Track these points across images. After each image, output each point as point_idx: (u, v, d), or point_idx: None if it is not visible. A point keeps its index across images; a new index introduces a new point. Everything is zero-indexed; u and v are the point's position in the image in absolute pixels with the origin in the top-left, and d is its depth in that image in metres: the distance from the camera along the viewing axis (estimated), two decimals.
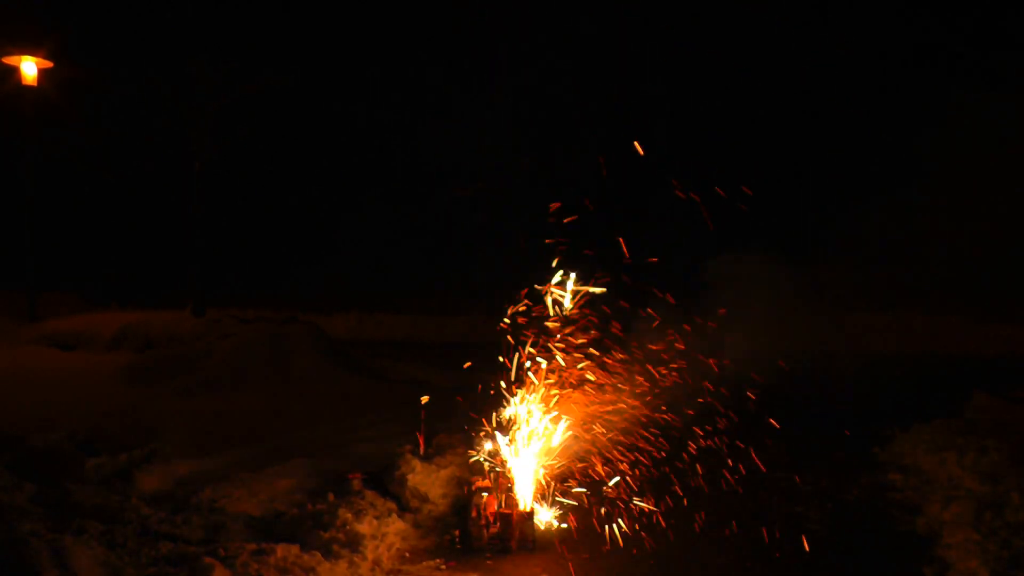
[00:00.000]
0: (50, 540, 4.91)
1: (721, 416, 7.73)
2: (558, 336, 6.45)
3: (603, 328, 6.66)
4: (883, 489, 7.47)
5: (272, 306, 21.27)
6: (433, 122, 22.14)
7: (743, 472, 7.42)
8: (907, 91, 19.91)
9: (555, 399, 6.47)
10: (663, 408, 7.15)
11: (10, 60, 16.36)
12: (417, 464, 7.01)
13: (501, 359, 6.48)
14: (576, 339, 6.51)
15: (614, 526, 6.26)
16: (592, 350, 6.54)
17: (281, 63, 16.29)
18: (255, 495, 6.72)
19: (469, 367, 6.95)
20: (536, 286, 6.44)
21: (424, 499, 6.82)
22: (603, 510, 6.55)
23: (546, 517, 6.37)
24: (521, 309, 6.43)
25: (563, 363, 6.44)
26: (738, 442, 7.76)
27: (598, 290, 6.47)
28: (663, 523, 6.42)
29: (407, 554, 5.99)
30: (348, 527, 5.90)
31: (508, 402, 6.49)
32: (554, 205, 6.78)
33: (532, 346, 6.41)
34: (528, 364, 6.41)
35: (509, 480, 6.34)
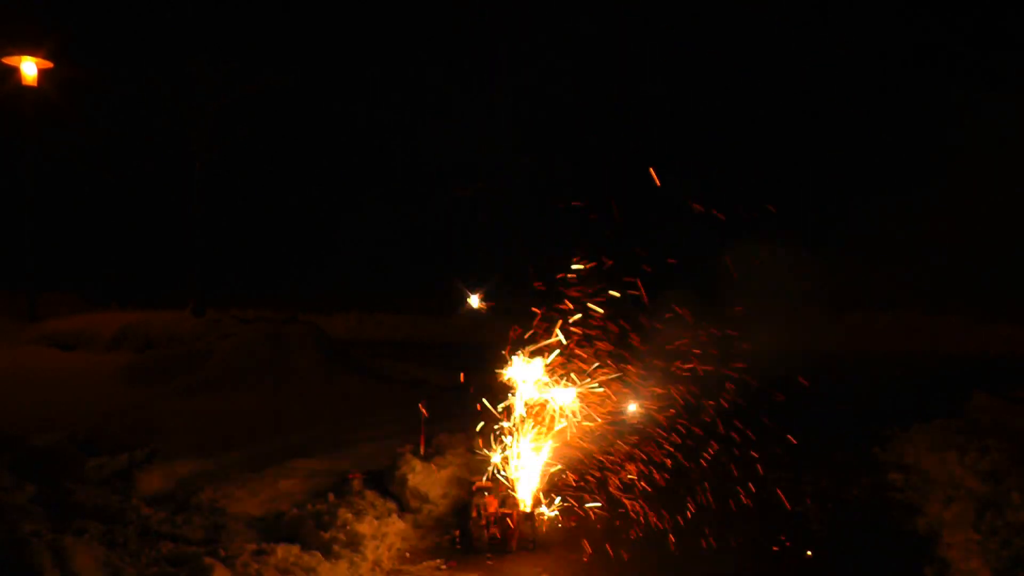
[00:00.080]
0: (51, 540, 4.91)
1: (723, 418, 7.73)
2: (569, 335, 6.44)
3: (618, 336, 6.67)
4: (884, 489, 7.47)
5: (272, 306, 21.27)
6: (433, 122, 22.15)
7: (743, 472, 7.42)
8: (907, 91, 19.92)
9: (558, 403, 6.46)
10: (669, 411, 7.16)
11: (10, 60, 16.36)
12: (417, 464, 7.01)
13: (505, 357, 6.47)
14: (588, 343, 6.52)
15: (614, 526, 6.27)
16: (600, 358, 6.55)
17: (281, 63, 16.29)
18: (255, 495, 6.72)
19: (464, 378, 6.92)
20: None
21: (424, 499, 6.82)
22: (603, 511, 6.56)
23: (547, 518, 6.37)
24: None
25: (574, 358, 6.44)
26: (735, 440, 7.76)
27: (614, 293, 6.47)
28: (663, 523, 6.42)
29: (407, 554, 5.99)
30: (348, 527, 5.89)
31: (509, 404, 6.49)
32: (576, 203, 6.76)
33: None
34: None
35: (509, 481, 6.33)
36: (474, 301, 6.60)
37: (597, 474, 6.79)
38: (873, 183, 20.69)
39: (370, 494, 6.62)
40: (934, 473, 7.45)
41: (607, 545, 6.06)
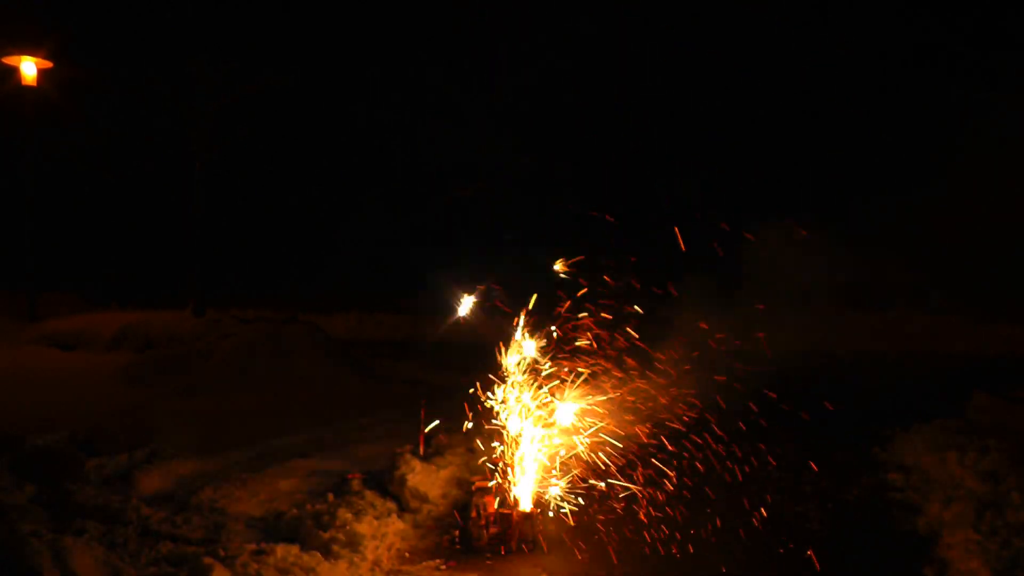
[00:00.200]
0: (50, 540, 4.91)
1: (724, 418, 7.73)
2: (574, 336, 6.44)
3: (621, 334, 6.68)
4: (883, 489, 7.47)
5: (272, 306, 21.27)
6: (433, 122, 22.14)
7: (745, 472, 7.42)
8: (907, 91, 19.91)
9: (558, 399, 6.46)
10: (672, 409, 7.16)
11: (10, 60, 16.36)
12: (417, 464, 7.01)
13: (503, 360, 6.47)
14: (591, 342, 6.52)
15: (614, 526, 6.27)
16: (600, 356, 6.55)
17: (281, 63, 16.28)
18: (255, 495, 6.73)
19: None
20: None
21: (424, 499, 6.82)
22: (603, 510, 6.56)
23: (546, 517, 6.37)
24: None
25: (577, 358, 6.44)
26: (734, 444, 7.76)
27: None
28: (663, 523, 6.42)
29: (407, 554, 5.98)
30: (348, 527, 5.90)
31: (508, 404, 6.48)
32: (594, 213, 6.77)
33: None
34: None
35: (509, 480, 6.33)
36: (464, 307, 6.59)
37: (597, 473, 6.77)
38: (873, 182, 20.68)
39: (370, 494, 6.63)
40: (934, 473, 7.45)
41: (606, 545, 6.06)
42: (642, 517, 6.54)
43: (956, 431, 8.27)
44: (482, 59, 21.66)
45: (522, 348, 6.32)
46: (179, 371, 11.87)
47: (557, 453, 6.48)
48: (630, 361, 6.84)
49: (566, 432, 6.40)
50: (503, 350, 6.36)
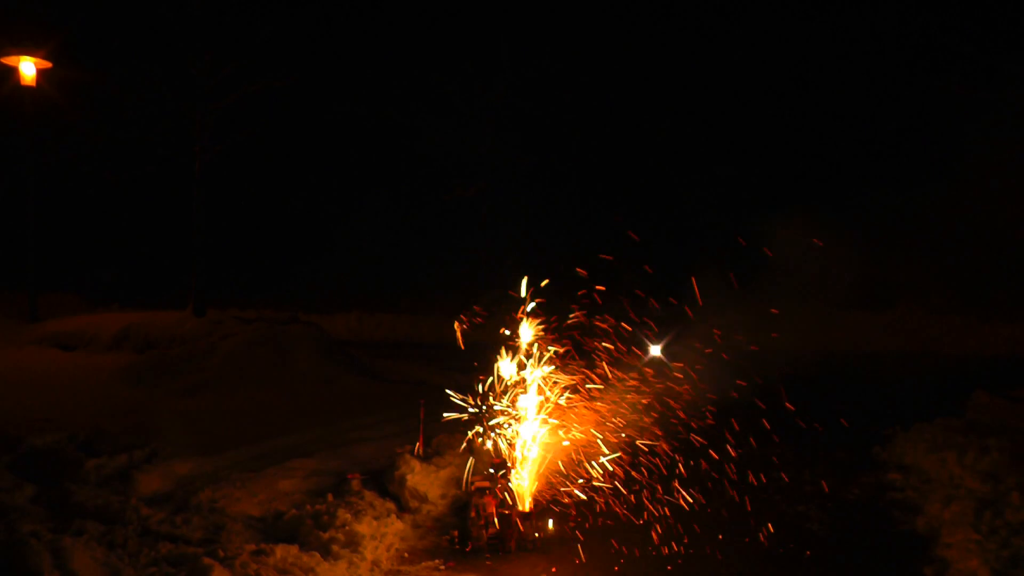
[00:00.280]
0: (50, 540, 4.92)
1: (724, 418, 7.73)
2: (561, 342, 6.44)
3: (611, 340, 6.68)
4: (884, 488, 7.47)
5: (273, 306, 21.31)
6: (435, 121, 22.15)
7: (744, 473, 7.42)
8: (908, 90, 19.88)
9: (559, 400, 6.46)
10: (671, 410, 7.16)
11: (9, 60, 16.34)
12: (416, 464, 7.01)
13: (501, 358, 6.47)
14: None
15: (613, 526, 6.27)
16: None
17: (282, 63, 16.27)
18: (255, 495, 6.72)
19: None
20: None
21: (423, 499, 6.82)
22: (602, 510, 6.55)
23: (546, 517, 6.37)
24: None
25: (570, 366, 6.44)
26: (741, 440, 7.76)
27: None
28: (663, 524, 6.42)
29: (406, 554, 5.99)
30: (347, 527, 5.90)
31: (509, 403, 6.48)
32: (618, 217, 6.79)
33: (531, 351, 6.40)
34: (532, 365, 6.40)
35: (509, 480, 6.33)
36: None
37: (597, 474, 6.77)
38: (873, 182, 20.67)
39: (369, 494, 6.63)
40: (934, 473, 7.46)
41: (606, 545, 6.06)
42: (637, 519, 6.54)
43: (956, 430, 8.26)
44: (483, 58, 21.67)
45: (520, 337, 6.32)
46: (179, 371, 11.86)
47: (558, 453, 6.49)
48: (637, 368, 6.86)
49: (566, 432, 6.41)
50: (504, 352, 6.37)
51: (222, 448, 8.24)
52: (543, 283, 6.30)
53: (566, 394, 6.42)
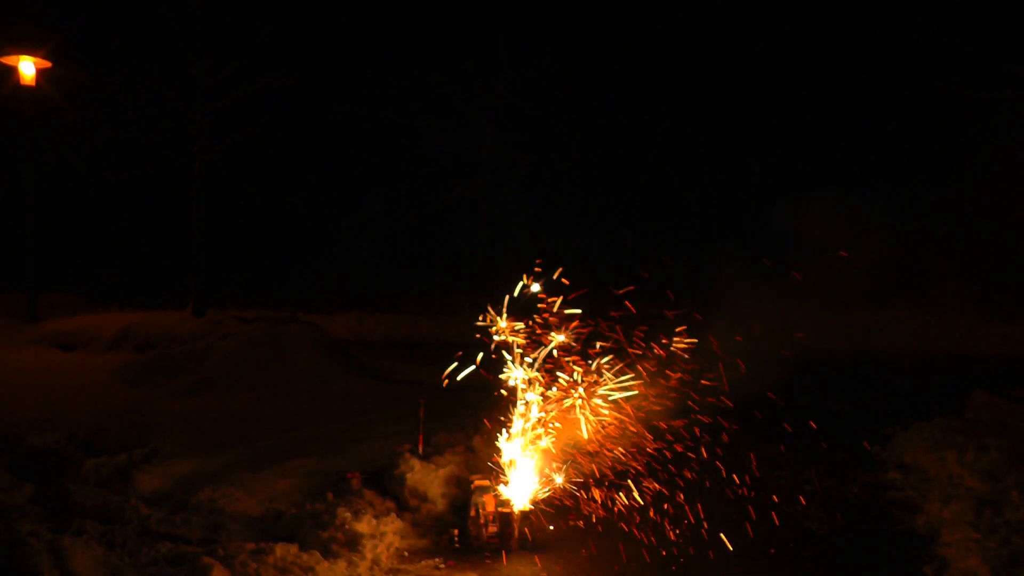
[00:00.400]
0: (49, 540, 4.91)
1: (724, 418, 7.73)
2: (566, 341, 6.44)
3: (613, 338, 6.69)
4: (883, 488, 7.47)
5: (272, 306, 21.29)
6: (434, 122, 22.15)
7: (743, 472, 7.42)
8: (904, 89, 19.89)
9: (559, 401, 6.46)
10: (670, 408, 7.16)
11: (8, 60, 16.34)
12: (416, 463, 7.01)
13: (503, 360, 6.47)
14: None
15: (613, 525, 6.26)
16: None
17: (282, 64, 16.27)
18: (254, 495, 6.72)
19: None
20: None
21: (423, 498, 6.81)
22: (601, 510, 6.55)
23: (546, 516, 6.37)
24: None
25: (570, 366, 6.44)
26: (741, 440, 7.76)
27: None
28: (663, 523, 6.42)
29: (406, 553, 5.99)
30: (347, 526, 5.89)
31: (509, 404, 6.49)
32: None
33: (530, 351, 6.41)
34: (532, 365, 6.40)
35: (508, 479, 6.33)
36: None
37: (597, 473, 6.77)
38: (874, 181, 20.67)
39: (369, 493, 6.62)
40: (933, 472, 7.46)
41: (605, 544, 6.06)
42: (637, 518, 6.53)
43: (956, 429, 8.26)
44: (483, 58, 21.67)
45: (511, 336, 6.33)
46: (179, 371, 11.87)
47: (559, 451, 6.49)
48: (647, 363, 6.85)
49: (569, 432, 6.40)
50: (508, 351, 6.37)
51: (222, 447, 8.24)
52: (555, 274, 6.31)
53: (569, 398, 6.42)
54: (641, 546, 6.04)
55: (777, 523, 6.45)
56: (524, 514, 6.16)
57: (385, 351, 16.03)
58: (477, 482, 6.35)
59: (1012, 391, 9.99)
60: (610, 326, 6.59)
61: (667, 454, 7.20)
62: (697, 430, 7.52)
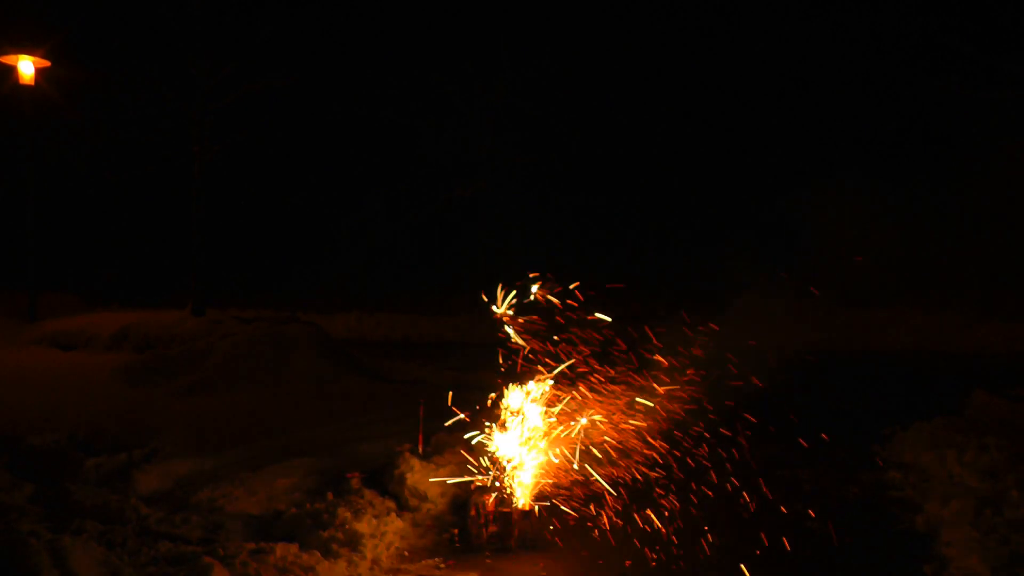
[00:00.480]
0: (49, 540, 4.91)
1: (723, 418, 7.73)
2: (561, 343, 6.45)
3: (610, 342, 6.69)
4: (883, 487, 7.47)
5: (272, 306, 21.29)
6: (434, 122, 22.16)
7: (743, 472, 7.42)
8: (905, 88, 19.90)
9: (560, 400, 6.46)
10: (668, 409, 7.16)
11: (8, 59, 16.33)
12: (416, 463, 7.01)
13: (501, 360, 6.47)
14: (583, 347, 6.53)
15: (614, 524, 6.26)
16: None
17: (282, 64, 16.27)
18: (254, 494, 6.72)
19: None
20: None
21: (423, 498, 6.81)
22: (602, 509, 6.54)
23: (546, 515, 6.36)
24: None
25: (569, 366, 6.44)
26: (741, 439, 7.76)
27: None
28: (663, 523, 6.42)
29: (406, 553, 5.98)
30: (347, 526, 5.89)
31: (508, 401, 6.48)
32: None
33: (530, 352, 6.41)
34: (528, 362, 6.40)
35: (508, 478, 6.32)
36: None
37: (598, 472, 6.77)
38: (874, 181, 20.67)
39: (369, 493, 6.62)
40: (933, 471, 7.46)
41: (606, 544, 6.06)
42: (637, 518, 6.53)
43: (956, 429, 8.27)
44: (483, 58, 21.68)
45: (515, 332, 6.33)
46: (179, 371, 11.86)
47: (559, 450, 6.48)
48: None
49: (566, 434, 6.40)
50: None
51: (221, 447, 8.24)
52: (572, 286, 6.33)
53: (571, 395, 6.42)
54: (641, 545, 6.03)
55: (776, 522, 6.44)
56: (524, 513, 6.16)
57: (385, 351, 16.03)
58: (477, 481, 6.35)
59: (1012, 390, 10.00)
60: (619, 331, 6.60)
61: (666, 456, 7.20)
62: (696, 430, 7.53)
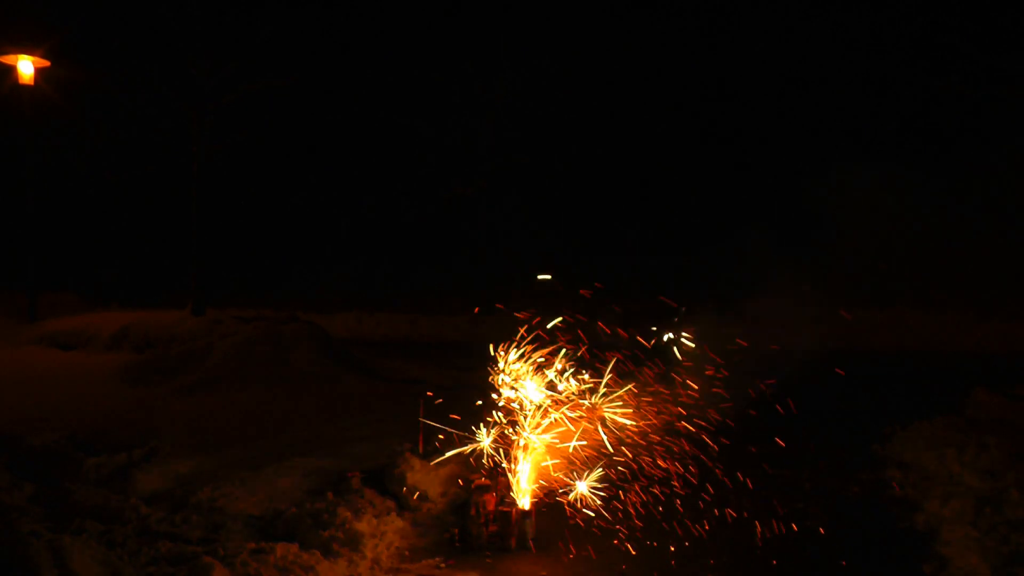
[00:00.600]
0: (49, 540, 4.91)
1: (723, 416, 7.73)
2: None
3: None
4: (883, 486, 7.47)
5: (272, 306, 21.30)
6: (434, 121, 22.16)
7: (743, 472, 7.42)
8: (908, 89, 19.90)
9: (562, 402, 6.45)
10: (669, 409, 7.16)
11: (7, 59, 16.33)
12: (416, 462, 7.01)
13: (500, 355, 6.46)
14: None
15: (613, 524, 6.26)
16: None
17: (282, 64, 16.28)
18: (254, 494, 6.71)
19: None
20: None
21: (423, 497, 6.81)
22: (602, 509, 6.54)
23: (546, 515, 6.36)
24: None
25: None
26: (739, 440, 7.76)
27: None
28: (663, 522, 6.42)
29: (406, 552, 5.98)
30: (347, 525, 5.89)
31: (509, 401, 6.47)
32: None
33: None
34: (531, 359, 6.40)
35: (508, 478, 6.33)
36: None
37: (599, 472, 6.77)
38: (875, 180, 20.68)
39: (369, 492, 6.62)
40: (933, 470, 7.46)
41: (606, 543, 6.06)
42: (637, 518, 6.53)
43: (956, 428, 8.28)
44: (483, 58, 21.68)
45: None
46: (179, 371, 11.86)
47: (560, 451, 6.48)
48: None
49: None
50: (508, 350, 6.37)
51: (221, 447, 8.24)
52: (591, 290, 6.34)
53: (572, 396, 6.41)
54: (641, 545, 6.03)
55: (777, 521, 6.45)
56: (524, 513, 6.16)
57: (385, 351, 16.02)
58: (477, 481, 6.35)
59: (1012, 389, 10.00)
60: (613, 331, 6.60)
61: (667, 456, 7.20)
62: (695, 429, 7.53)
